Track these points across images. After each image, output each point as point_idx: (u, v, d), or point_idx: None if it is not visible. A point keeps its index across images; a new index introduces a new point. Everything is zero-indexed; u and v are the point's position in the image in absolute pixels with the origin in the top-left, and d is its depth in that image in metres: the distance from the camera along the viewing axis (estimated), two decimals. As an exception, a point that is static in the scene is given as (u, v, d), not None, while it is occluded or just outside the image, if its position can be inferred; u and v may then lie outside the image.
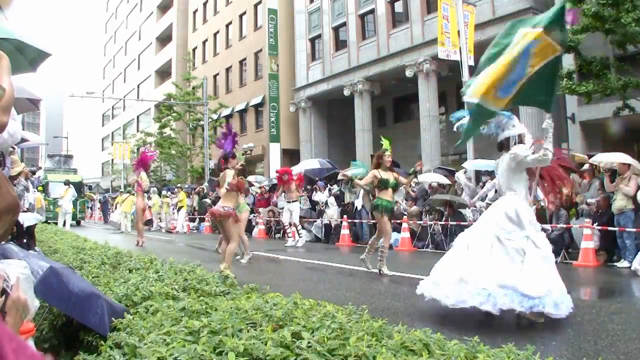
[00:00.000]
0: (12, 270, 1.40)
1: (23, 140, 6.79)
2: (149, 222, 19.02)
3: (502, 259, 4.07)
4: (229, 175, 6.53)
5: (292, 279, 6.87)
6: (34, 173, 12.68)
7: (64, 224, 17.31)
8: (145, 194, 13.25)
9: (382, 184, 6.93)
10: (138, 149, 34.08)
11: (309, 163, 18.00)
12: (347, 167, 15.92)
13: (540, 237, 4.24)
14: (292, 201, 12.12)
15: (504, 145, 4.62)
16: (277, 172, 12.68)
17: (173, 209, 20.19)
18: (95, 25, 62.17)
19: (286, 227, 12.65)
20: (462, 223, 10.52)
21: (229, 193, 6.56)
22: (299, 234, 12.39)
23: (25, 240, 6.25)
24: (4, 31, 3.44)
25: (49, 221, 15.73)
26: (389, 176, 7.00)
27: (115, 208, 21.54)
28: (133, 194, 15.47)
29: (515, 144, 4.53)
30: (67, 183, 18.84)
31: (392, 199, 7.13)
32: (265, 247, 11.91)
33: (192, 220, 20.60)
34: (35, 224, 7.19)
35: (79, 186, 24.72)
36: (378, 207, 6.98)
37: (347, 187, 14.24)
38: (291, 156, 27.23)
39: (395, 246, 11.51)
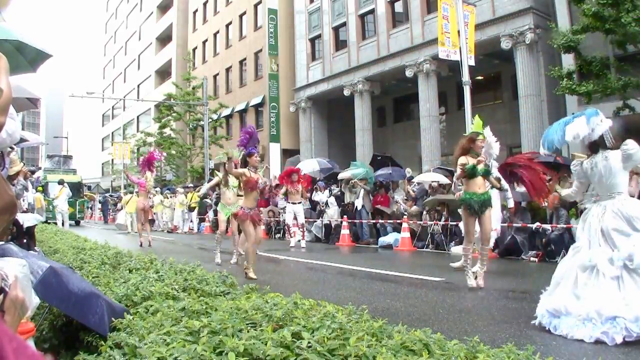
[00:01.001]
0: (10, 268, 1.39)
1: (22, 140, 6.79)
2: (151, 222, 19.00)
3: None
4: (246, 172, 6.50)
5: (292, 279, 6.87)
6: (33, 173, 12.66)
7: (62, 224, 17.19)
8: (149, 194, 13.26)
9: (470, 172, 5.78)
10: (138, 149, 34.12)
11: (307, 164, 17.92)
12: (347, 167, 15.97)
13: None
14: (297, 202, 11.96)
15: (599, 144, 4.13)
16: (285, 172, 12.56)
17: (184, 210, 20.00)
18: (95, 25, 62.17)
19: (289, 228, 12.46)
20: (461, 223, 10.50)
21: (249, 193, 6.61)
22: (301, 235, 12.36)
23: (25, 241, 6.24)
24: (3, 31, 3.43)
25: (48, 221, 15.76)
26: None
27: (122, 208, 21.53)
28: (136, 192, 15.49)
29: (610, 140, 4.09)
30: (61, 182, 18.60)
31: (486, 189, 5.95)
32: (265, 247, 11.92)
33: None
34: (35, 225, 7.18)
35: (78, 186, 24.83)
36: (465, 203, 5.87)
37: (348, 187, 14.23)
38: (291, 156, 27.24)
39: (395, 246, 11.52)
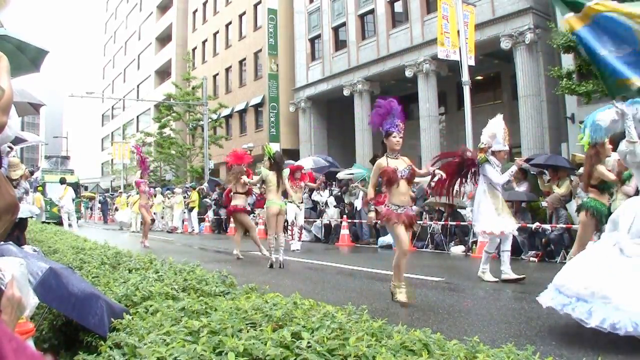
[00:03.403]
0: (8, 267, 1.39)
1: (21, 140, 6.78)
2: (152, 221, 18.95)
3: None
4: (381, 163, 4.95)
5: (292, 279, 6.86)
6: (32, 173, 12.65)
7: (70, 225, 16.66)
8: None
9: (605, 187, 5.54)
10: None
11: (305, 162, 17.81)
12: (346, 167, 15.98)
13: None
14: (300, 202, 11.20)
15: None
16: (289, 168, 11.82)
17: (182, 210, 19.90)
18: (95, 25, 62.19)
19: (291, 228, 11.74)
20: (461, 223, 10.52)
21: (393, 188, 4.98)
22: (298, 237, 11.97)
23: (15, 234, 6.22)
24: (2, 31, 3.45)
25: (49, 221, 15.74)
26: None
27: (127, 206, 21.53)
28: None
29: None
30: (63, 182, 18.32)
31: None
32: (265, 247, 11.89)
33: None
34: (27, 218, 7.15)
35: (75, 187, 25.06)
36: (593, 209, 5.45)
37: (349, 190, 14.20)
38: (291, 156, 27.19)
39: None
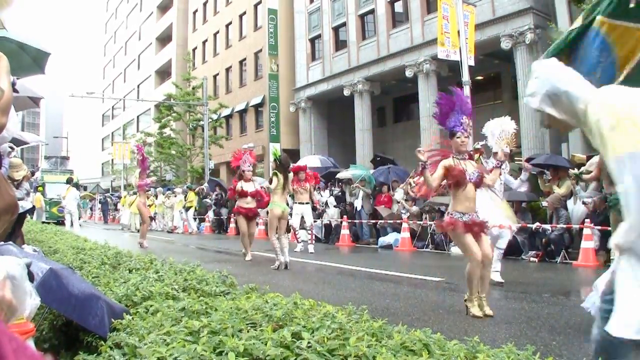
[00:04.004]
0: (2, 267, 1.37)
1: (22, 142, 6.77)
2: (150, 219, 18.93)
3: None
4: (451, 162, 4.50)
5: (292, 279, 6.86)
6: (33, 174, 12.63)
7: (72, 225, 16.46)
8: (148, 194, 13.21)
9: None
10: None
11: (310, 160, 17.77)
12: (346, 168, 15.96)
13: None
14: (305, 202, 10.55)
15: None
16: (292, 169, 11.01)
17: (180, 210, 19.87)
18: (95, 25, 62.25)
19: (295, 230, 11.43)
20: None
21: (459, 191, 4.58)
22: (300, 238, 11.47)
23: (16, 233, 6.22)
24: (3, 32, 3.45)
25: (49, 221, 15.75)
26: None
27: (129, 206, 21.54)
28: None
29: None
30: (69, 181, 18.32)
31: None
32: (265, 247, 11.90)
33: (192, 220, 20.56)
34: (25, 213, 7.13)
35: (74, 187, 25.17)
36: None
37: (349, 189, 14.21)
38: (291, 156, 27.12)
39: (395, 246, 11.52)
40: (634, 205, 1.56)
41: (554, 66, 2.11)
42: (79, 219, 18.63)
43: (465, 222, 4.33)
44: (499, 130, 6.02)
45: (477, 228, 4.38)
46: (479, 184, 4.54)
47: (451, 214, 4.42)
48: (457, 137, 4.44)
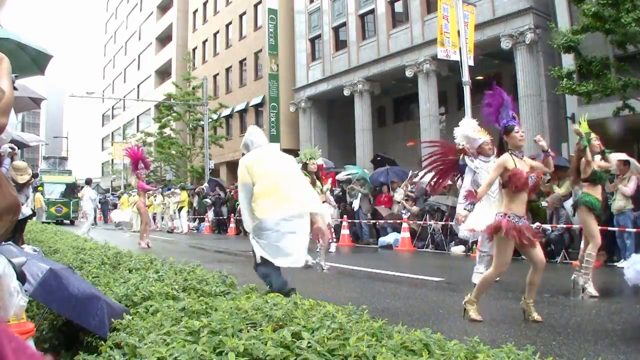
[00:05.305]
0: None
1: (23, 145, 6.76)
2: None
3: None
4: (507, 163, 4.19)
5: (292, 279, 6.86)
6: (36, 176, 12.58)
7: (89, 228, 15.07)
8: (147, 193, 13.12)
9: (595, 178, 5.42)
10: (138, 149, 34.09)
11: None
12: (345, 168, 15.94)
13: None
14: (322, 202, 10.30)
15: None
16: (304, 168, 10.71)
17: (174, 210, 19.88)
18: (95, 25, 62.30)
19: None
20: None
21: (516, 194, 4.27)
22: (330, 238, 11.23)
23: (16, 237, 6.23)
24: (2, 31, 3.45)
25: (49, 221, 15.73)
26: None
27: (130, 206, 21.52)
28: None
29: None
30: (88, 182, 17.59)
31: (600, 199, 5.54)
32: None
33: (192, 220, 20.59)
34: (26, 219, 7.12)
35: (72, 187, 25.47)
36: (587, 204, 5.34)
37: (347, 190, 14.19)
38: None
39: (395, 246, 11.52)
40: None
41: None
42: (95, 220, 18.22)
43: (520, 229, 4.04)
44: (470, 130, 6.19)
45: (532, 235, 4.10)
46: (534, 189, 4.41)
47: (508, 216, 4.09)
48: (515, 132, 4.23)
